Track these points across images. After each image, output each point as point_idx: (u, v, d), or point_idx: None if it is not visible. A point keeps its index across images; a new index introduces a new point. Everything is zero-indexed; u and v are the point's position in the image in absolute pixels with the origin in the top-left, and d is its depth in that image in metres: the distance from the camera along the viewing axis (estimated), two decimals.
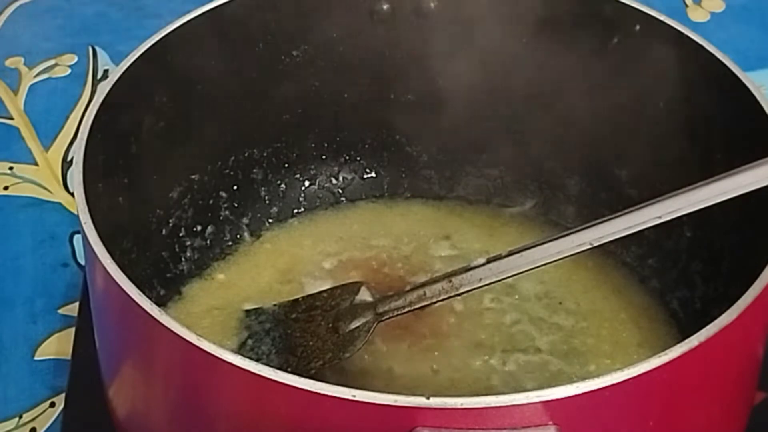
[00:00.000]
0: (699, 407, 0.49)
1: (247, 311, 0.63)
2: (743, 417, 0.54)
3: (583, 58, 0.64)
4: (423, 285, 0.55)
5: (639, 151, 0.66)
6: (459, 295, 0.53)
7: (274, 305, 0.63)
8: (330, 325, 0.58)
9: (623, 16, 0.63)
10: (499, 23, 0.65)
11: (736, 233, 0.58)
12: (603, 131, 0.66)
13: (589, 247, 0.51)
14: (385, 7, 0.66)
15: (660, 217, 0.50)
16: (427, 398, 0.43)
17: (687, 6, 0.95)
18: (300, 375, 0.43)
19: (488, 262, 0.52)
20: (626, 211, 0.50)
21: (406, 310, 0.55)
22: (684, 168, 0.62)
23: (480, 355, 0.62)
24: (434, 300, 0.54)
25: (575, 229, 0.51)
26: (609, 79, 0.64)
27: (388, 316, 0.56)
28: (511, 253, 0.52)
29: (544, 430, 0.43)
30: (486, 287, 0.53)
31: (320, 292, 0.61)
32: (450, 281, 0.53)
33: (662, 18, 0.62)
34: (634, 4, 0.63)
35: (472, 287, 0.53)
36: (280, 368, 0.44)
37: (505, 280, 0.53)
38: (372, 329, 0.57)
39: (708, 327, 0.46)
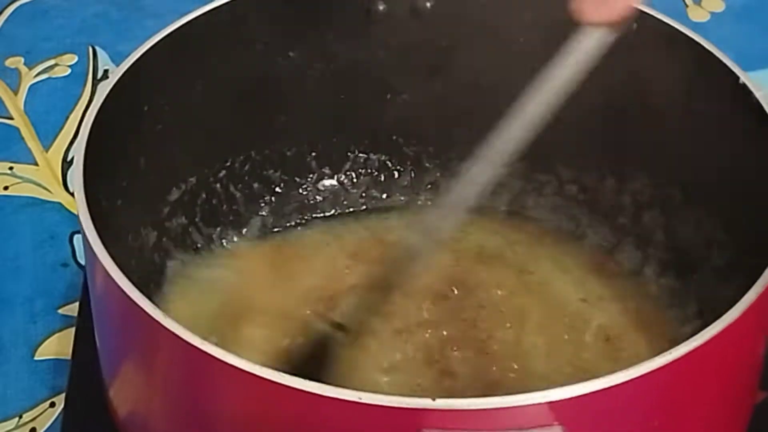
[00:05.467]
0: (701, 407, 0.49)
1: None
2: (745, 416, 0.54)
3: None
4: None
5: (639, 151, 0.66)
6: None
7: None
8: None
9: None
10: (494, 22, 0.65)
11: (737, 233, 0.58)
12: (602, 131, 0.66)
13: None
14: (381, 7, 0.66)
15: None
16: (433, 400, 0.42)
17: (687, 6, 0.95)
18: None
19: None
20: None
21: None
22: (684, 168, 0.62)
23: (481, 355, 0.62)
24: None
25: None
26: (607, 79, 0.64)
27: None
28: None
29: (550, 430, 0.43)
30: None
31: None
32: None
33: (662, 18, 0.62)
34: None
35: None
36: None
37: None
38: None
39: (710, 327, 0.46)
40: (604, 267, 0.67)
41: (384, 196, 0.72)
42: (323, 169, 0.71)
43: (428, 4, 0.66)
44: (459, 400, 0.43)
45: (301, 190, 0.71)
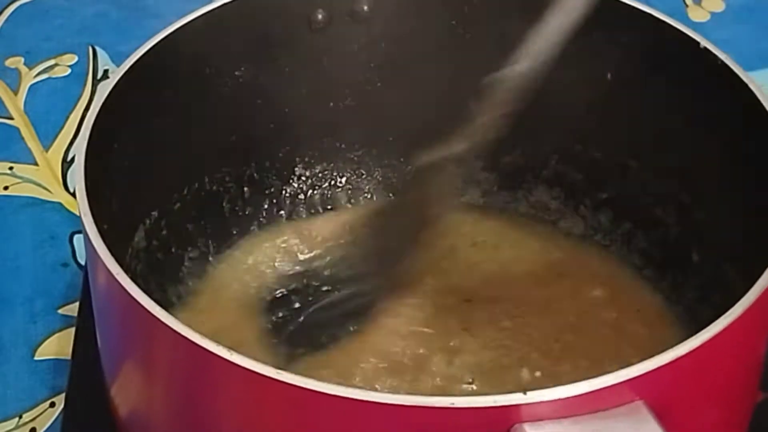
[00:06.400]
0: (701, 407, 0.49)
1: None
2: (745, 416, 0.54)
3: (580, 56, 0.64)
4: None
5: (639, 151, 0.66)
6: None
7: None
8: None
9: (621, 15, 0.63)
10: (433, 21, 0.66)
11: (739, 232, 0.58)
12: (602, 130, 0.66)
13: None
14: (321, 16, 0.66)
15: None
16: (525, 393, 0.43)
17: (687, 6, 0.95)
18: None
19: None
20: None
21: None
22: (684, 167, 0.62)
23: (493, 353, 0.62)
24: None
25: None
26: (606, 79, 0.64)
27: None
28: None
29: (634, 406, 0.43)
30: None
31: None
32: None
33: (662, 17, 0.62)
34: (634, 3, 0.63)
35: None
36: None
37: None
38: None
39: (710, 327, 0.46)
40: None
41: (331, 202, 0.72)
42: (272, 182, 0.71)
43: (365, 8, 0.66)
44: (549, 390, 0.43)
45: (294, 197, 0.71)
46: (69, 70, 0.89)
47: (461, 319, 0.63)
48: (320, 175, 0.72)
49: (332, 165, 0.72)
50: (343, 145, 0.71)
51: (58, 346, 0.69)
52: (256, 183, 0.70)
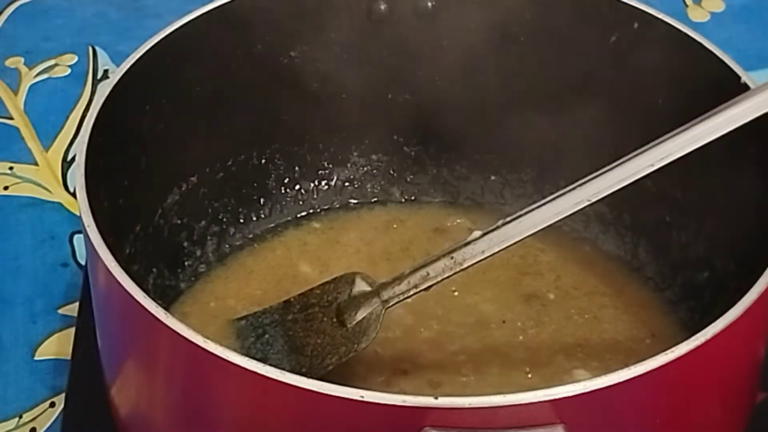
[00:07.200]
0: (702, 406, 0.49)
1: (237, 319, 0.62)
2: (745, 416, 0.54)
3: (582, 56, 0.64)
4: (424, 265, 0.54)
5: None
6: (463, 269, 0.53)
7: (265, 309, 0.62)
8: (334, 320, 0.58)
9: (622, 15, 0.63)
10: (496, 22, 0.66)
11: (740, 231, 0.58)
12: (602, 130, 0.66)
13: (587, 203, 0.51)
14: (383, 7, 0.66)
15: (653, 165, 0.50)
16: (436, 398, 0.43)
17: (687, 6, 0.95)
18: (312, 375, 0.44)
19: (485, 234, 0.52)
20: (616, 163, 0.51)
21: (411, 293, 0.55)
22: (683, 167, 0.62)
23: (494, 357, 0.62)
24: (438, 279, 0.54)
25: (569, 188, 0.51)
26: (607, 78, 0.64)
27: (394, 302, 0.56)
28: (506, 222, 0.52)
29: (552, 429, 0.43)
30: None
31: (311, 289, 0.60)
32: (452, 257, 0.53)
33: (662, 17, 0.62)
34: (634, 3, 0.63)
35: (476, 260, 0.53)
36: (292, 371, 0.44)
37: None
38: (381, 316, 0.56)
39: (710, 327, 0.46)
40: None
41: (383, 195, 0.72)
42: (323, 169, 0.71)
43: (430, 5, 0.66)
44: (461, 399, 0.43)
45: (302, 191, 0.71)
46: (69, 70, 0.88)
47: None
48: (375, 166, 0.72)
49: (387, 157, 0.72)
50: (400, 139, 0.72)
51: (58, 346, 0.69)
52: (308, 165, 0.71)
